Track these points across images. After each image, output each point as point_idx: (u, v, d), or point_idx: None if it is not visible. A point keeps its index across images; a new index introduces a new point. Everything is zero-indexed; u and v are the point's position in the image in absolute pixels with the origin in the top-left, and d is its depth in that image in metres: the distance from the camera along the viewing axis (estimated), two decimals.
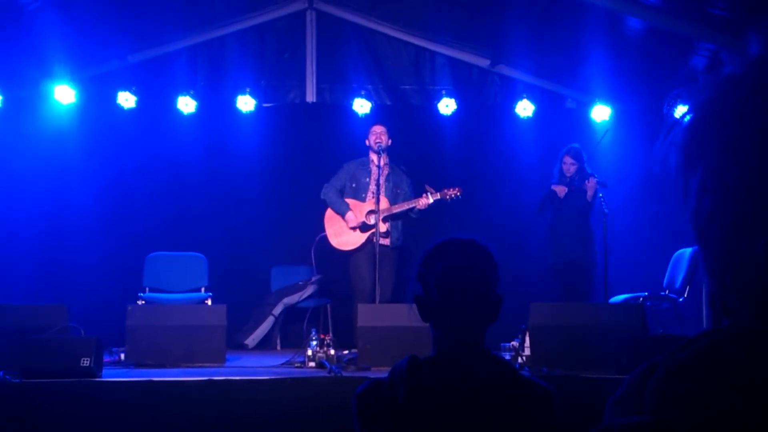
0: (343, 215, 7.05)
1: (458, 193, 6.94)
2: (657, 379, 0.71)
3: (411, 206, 6.95)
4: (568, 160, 7.33)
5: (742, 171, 0.68)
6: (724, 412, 0.65)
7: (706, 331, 0.72)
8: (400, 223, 7.11)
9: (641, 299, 6.97)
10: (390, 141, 7.06)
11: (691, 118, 0.74)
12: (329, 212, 7.17)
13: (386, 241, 6.92)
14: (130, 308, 6.01)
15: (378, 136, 7.02)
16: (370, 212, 6.96)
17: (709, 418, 0.65)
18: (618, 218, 7.12)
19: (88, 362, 4.91)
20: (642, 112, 8.20)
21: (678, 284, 7.15)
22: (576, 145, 7.44)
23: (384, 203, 6.86)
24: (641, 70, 8.05)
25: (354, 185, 7.14)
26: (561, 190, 7.30)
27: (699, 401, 0.66)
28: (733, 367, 0.67)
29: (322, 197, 7.18)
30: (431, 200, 6.89)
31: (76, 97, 8.18)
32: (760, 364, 0.66)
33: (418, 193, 7.00)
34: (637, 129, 8.14)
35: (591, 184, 7.20)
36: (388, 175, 7.06)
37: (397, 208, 6.96)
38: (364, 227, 7.02)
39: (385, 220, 6.91)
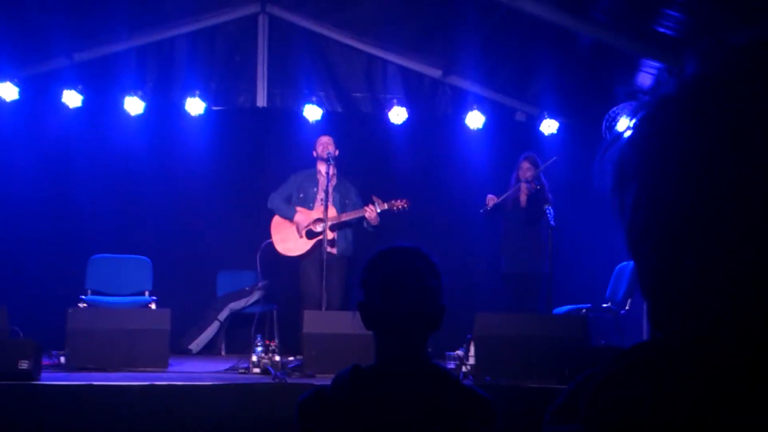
0: (291, 218, 7.04)
1: (405, 205, 6.95)
2: (590, 390, 0.72)
3: (358, 215, 6.96)
4: (525, 165, 7.32)
5: (673, 188, 0.70)
6: (654, 423, 0.67)
7: (639, 344, 0.74)
8: (350, 232, 7.11)
9: (584, 311, 7.08)
10: (338, 151, 7.04)
11: (628, 136, 0.76)
12: (276, 219, 7.14)
13: (333, 250, 6.92)
14: (71, 311, 5.91)
15: (325, 145, 7.03)
16: (318, 220, 6.94)
17: (638, 429, 0.67)
18: (563, 231, 7.21)
19: (27, 365, 4.82)
20: (589, 127, 8.33)
21: (620, 296, 7.27)
22: (533, 153, 7.47)
23: (332, 212, 6.85)
24: (589, 85, 8.18)
25: (302, 195, 7.12)
26: (490, 200, 7.33)
27: (629, 412, 0.68)
28: (662, 379, 0.68)
29: (269, 206, 7.14)
30: (378, 210, 6.90)
31: (19, 95, 8.01)
32: (690, 376, 0.67)
33: (367, 204, 7.01)
34: (584, 143, 8.26)
35: (522, 188, 7.25)
36: (336, 185, 7.04)
37: (346, 217, 6.96)
38: (310, 234, 7.01)
39: (332, 229, 6.91)
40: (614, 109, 7.56)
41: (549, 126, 8.53)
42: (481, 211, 7.32)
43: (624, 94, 7.62)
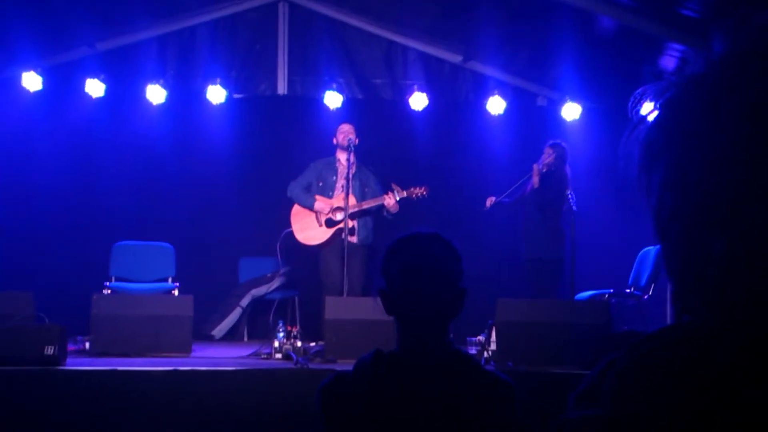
0: (311, 207, 7.05)
1: (424, 193, 6.94)
2: (614, 375, 0.72)
3: (378, 203, 6.94)
4: (547, 150, 7.29)
5: (702, 169, 0.69)
6: (678, 408, 0.66)
7: (665, 328, 0.73)
8: (369, 220, 7.10)
9: (607, 296, 7.04)
10: (357, 139, 7.02)
11: (655, 116, 0.75)
12: (296, 208, 7.15)
13: (353, 239, 6.91)
14: (95, 297, 5.96)
15: (346, 134, 7.00)
16: (338, 208, 6.94)
17: (662, 414, 0.66)
18: (586, 216, 7.17)
19: (53, 350, 4.87)
20: (611, 111, 8.25)
21: (643, 282, 7.23)
22: (559, 141, 7.40)
23: (352, 200, 6.84)
24: (611, 69, 8.10)
25: (321, 184, 7.12)
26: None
27: (654, 397, 0.67)
28: (688, 364, 0.67)
29: (288, 195, 7.15)
30: (397, 198, 6.89)
31: (43, 84, 8.07)
32: (716, 361, 0.67)
33: (386, 191, 6.99)
34: (607, 127, 8.19)
35: (534, 170, 7.22)
36: (356, 173, 7.03)
37: (365, 205, 6.96)
38: (330, 223, 7.01)
39: (352, 217, 6.90)
40: (640, 89, 7.49)
41: (571, 110, 8.46)
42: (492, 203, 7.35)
43: (649, 74, 7.54)
